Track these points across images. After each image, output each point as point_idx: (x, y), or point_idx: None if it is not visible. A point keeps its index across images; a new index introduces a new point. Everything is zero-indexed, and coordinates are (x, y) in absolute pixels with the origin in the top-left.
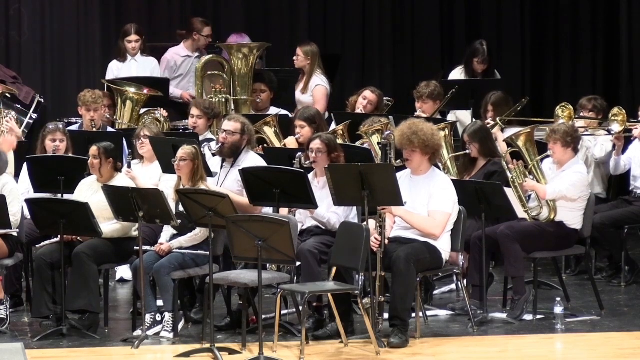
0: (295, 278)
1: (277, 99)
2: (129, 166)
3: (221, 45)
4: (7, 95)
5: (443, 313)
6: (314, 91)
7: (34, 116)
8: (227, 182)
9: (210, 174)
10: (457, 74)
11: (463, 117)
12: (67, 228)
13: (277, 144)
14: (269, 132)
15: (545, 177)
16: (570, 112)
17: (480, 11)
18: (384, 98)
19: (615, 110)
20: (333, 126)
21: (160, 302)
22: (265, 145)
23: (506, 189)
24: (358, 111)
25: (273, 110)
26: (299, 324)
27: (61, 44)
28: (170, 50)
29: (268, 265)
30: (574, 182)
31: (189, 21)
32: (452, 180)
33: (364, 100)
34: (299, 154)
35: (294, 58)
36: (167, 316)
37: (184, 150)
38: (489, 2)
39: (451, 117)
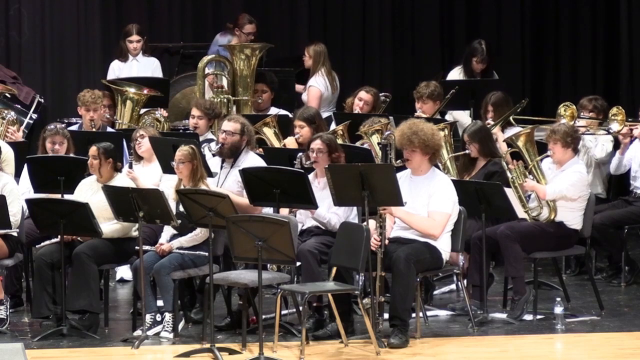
0: (295, 278)
1: (278, 99)
2: (130, 166)
3: (224, 45)
4: (7, 95)
5: (443, 313)
6: (307, 91)
7: (34, 116)
8: (227, 182)
9: (210, 174)
10: (456, 74)
11: (461, 117)
12: (67, 228)
13: (277, 145)
14: (269, 132)
15: (545, 177)
16: (573, 112)
17: (480, 11)
18: (381, 94)
19: (615, 109)
20: (333, 126)
21: (160, 302)
22: (265, 146)
23: (506, 189)
24: (355, 112)
25: (274, 111)
26: (299, 324)
27: (61, 44)
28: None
29: (268, 265)
30: (574, 182)
31: (237, 16)
32: (452, 181)
33: (360, 101)
34: (300, 154)
35: (303, 58)
36: (167, 316)
37: (181, 152)
38: (489, 2)
39: (448, 117)
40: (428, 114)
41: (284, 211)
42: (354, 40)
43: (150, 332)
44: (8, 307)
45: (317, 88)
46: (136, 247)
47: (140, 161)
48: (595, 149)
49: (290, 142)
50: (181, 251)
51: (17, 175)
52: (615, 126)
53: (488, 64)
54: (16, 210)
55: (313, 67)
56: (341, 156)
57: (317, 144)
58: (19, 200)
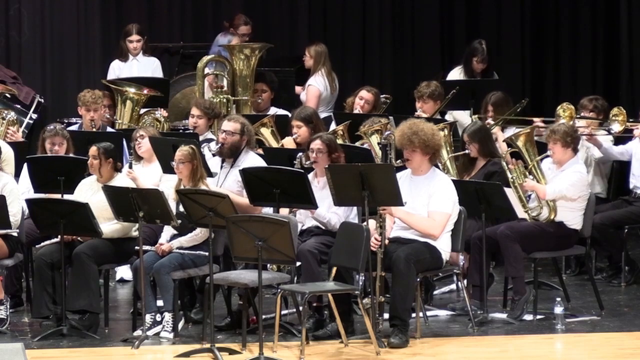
0: (295, 278)
1: (278, 99)
2: (130, 166)
3: (223, 45)
4: (7, 95)
5: (443, 313)
6: (306, 90)
7: (34, 116)
8: (226, 182)
9: (210, 174)
10: (456, 73)
11: (461, 117)
12: (67, 228)
13: (275, 145)
14: (266, 133)
15: (545, 177)
16: (572, 112)
17: (480, 11)
18: (382, 96)
19: (616, 110)
20: (333, 126)
21: (160, 302)
22: (265, 146)
23: (506, 189)
24: (356, 111)
25: (273, 111)
26: (299, 324)
27: (61, 44)
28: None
29: (268, 265)
30: (574, 182)
31: (234, 16)
32: (452, 181)
33: (361, 100)
34: (300, 154)
35: (304, 58)
36: (167, 316)
37: (181, 152)
38: (489, 2)
39: (448, 117)
40: (428, 114)
41: (284, 211)
42: (354, 40)
43: (150, 332)
44: (8, 307)
45: (316, 87)
46: (136, 247)
47: (140, 161)
48: (594, 149)
49: (289, 142)
50: (181, 251)
51: (17, 175)
52: (616, 127)
53: (488, 64)
54: (16, 210)
55: (314, 67)
56: (341, 156)
57: (316, 144)
58: (19, 200)
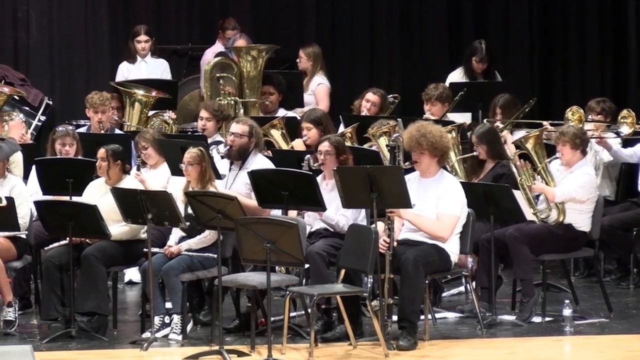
0: (304, 280)
1: (286, 101)
2: (138, 169)
3: (230, 47)
4: (16, 97)
5: (452, 315)
6: (316, 90)
7: (42, 118)
8: (235, 184)
9: (218, 176)
10: (457, 74)
11: (462, 119)
12: (76, 230)
13: (285, 147)
14: (276, 134)
15: (554, 179)
16: (581, 116)
17: (487, 13)
18: (389, 95)
19: (625, 112)
20: (341, 128)
21: (168, 304)
22: (273, 148)
23: (515, 191)
24: (363, 114)
25: (281, 113)
26: (307, 326)
27: (69, 45)
28: (208, 51)
29: (277, 267)
30: (582, 184)
31: (224, 19)
32: (461, 183)
33: (367, 102)
34: (308, 156)
35: (297, 60)
36: (176, 318)
37: (190, 154)
38: (496, 4)
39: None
40: (437, 116)
41: (293, 213)
42: (362, 41)
43: (158, 334)
44: (17, 309)
45: (326, 85)
46: (145, 249)
47: (147, 165)
48: (603, 152)
49: (298, 144)
50: (190, 253)
51: (26, 177)
52: (625, 129)
53: (489, 63)
54: (25, 212)
55: (313, 68)
56: (349, 158)
57: (325, 146)
58: (27, 202)
